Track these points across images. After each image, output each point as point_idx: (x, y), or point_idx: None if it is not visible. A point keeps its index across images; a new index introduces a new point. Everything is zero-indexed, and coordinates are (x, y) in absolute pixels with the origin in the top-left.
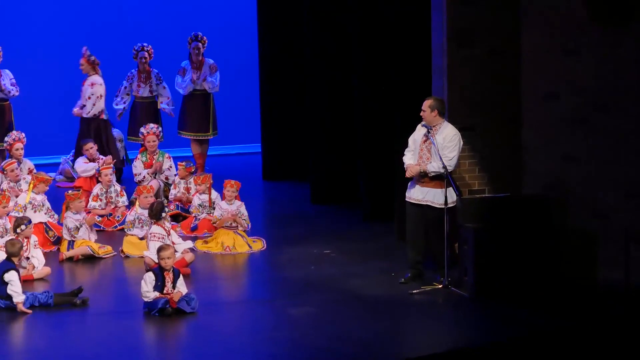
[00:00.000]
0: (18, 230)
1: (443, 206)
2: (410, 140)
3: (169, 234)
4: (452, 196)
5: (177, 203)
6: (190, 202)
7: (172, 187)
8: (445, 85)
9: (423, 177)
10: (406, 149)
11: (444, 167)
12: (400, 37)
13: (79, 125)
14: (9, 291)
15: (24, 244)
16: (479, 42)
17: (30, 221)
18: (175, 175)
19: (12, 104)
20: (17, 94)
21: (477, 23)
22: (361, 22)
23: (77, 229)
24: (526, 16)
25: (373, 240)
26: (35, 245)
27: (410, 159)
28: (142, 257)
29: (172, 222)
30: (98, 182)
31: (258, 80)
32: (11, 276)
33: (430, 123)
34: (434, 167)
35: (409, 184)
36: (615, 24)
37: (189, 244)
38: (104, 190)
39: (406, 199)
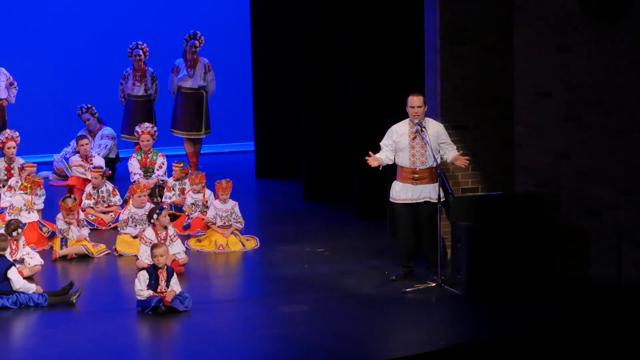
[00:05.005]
0: (14, 233)
1: (441, 200)
2: (389, 139)
3: (165, 241)
4: (442, 192)
5: (172, 203)
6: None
7: (165, 189)
8: (438, 83)
9: (416, 175)
10: (383, 147)
11: (437, 162)
12: (393, 35)
13: (72, 124)
14: (16, 287)
15: (14, 245)
16: (471, 40)
17: (24, 225)
18: (164, 174)
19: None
20: (15, 91)
21: (470, 20)
22: (354, 20)
23: (68, 230)
24: (519, 13)
25: (366, 238)
26: (23, 245)
27: (383, 156)
28: (135, 255)
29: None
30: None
31: (251, 78)
32: (13, 273)
33: (421, 118)
34: (449, 157)
35: (394, 184)
36: (608, 21)
37: (182, 254)
38: (96, 189)
39: (396, 201)
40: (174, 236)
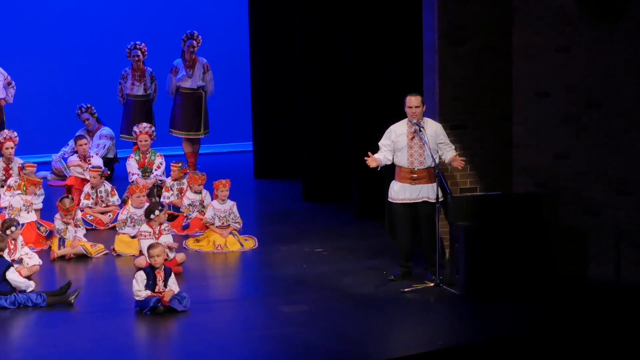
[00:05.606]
0: (8, 232)
1: (439, 200)
2: (388, 139)
3: (158, 237)
4: (440, 192)
5: (170, 203)
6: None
7: (163, 189)
8: (437, 83)
9: (415, 175)
10: (382, 147)
11: (436, 162)
12: (392, 35)
13: (70, 124)
14: (15, 285)
15: (12, 245)
16: (470, 40)
17: (19, 223)
18: (162, 174)
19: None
20: (13, 90)
21: (469, 20)
22: (353, 20)
23: (65, 230)
24: (518, 13)
25: (364, 237)
26: (22, 245)
27: (381, 156)
28: (133, 255)
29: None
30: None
31: (249, 78)
32: (12, 273)
33: (420, 118)
34: (446, 157)
35: (393, 184)
36: (607, 21)
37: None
38: (94, 189)
39: (395, 201)
40: (165, 229)
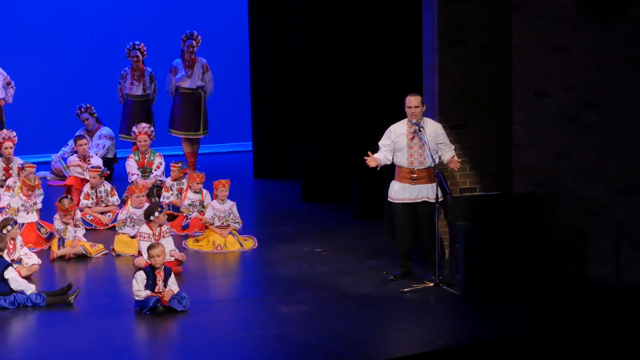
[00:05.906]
0: (4, 231)
1: (438, 200)
2: (388, 139)
3: (158, 238)
4: (440, 192)
5: (170, 203)
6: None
7: (163, 189)
8: (436, 83)
9: (414, 175)
10: (382, 147)
11: (435, 162)
12: (392, 35)
13: (70, 124)
14: (14, 287)
15: (11, 245)
16: (469, 40)
17: (16, 222)
18: (162, 174)
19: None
20: (13, 90)
21: (468, 20)
22: (352, 21)
23: (65, 230)
24: (517, 13)
25: (364, 237)
26: (21, 245)
27: (381, 156)
28: (133, 255)
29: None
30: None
31: (249, 78)
32: (10, 272)
33: (419, 118)
34: (445, 158)
35: (393, 184)
36: (606, 21)
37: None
38: (94, 189)
39: (395, 201)
40: (167, 232)
